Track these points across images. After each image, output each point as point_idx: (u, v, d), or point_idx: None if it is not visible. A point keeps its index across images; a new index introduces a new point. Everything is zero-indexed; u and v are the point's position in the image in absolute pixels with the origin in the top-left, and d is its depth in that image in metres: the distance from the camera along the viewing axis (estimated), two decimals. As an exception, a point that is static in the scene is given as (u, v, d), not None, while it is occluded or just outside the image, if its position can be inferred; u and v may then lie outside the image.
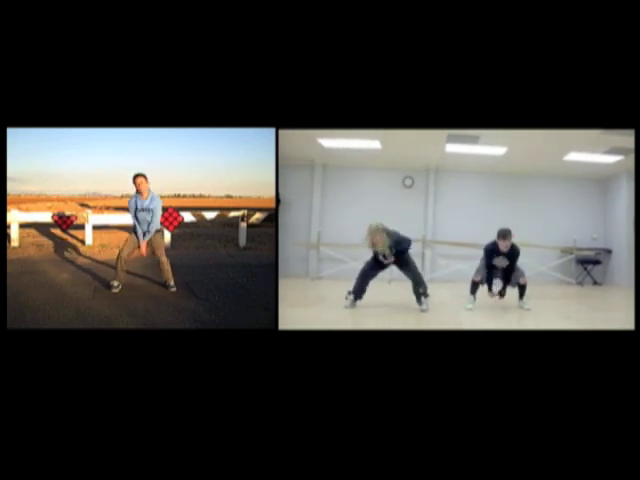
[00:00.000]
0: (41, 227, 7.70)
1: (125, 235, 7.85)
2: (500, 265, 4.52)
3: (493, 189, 7.67)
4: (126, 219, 7.71)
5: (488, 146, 6.22)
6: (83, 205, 17.33)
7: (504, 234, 4.37)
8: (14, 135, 3.68)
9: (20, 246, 6.57)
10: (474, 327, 3.70)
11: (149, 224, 4.30)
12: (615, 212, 7.54)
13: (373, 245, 4.37)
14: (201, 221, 7.58)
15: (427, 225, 7.46)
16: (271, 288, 3.77)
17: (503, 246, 4.40)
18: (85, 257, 6.15)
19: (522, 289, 4.66)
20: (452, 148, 6.35)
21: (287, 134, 5.49)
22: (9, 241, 6.52)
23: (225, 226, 8.71)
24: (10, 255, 5.87)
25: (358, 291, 4.49)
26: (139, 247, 4.35)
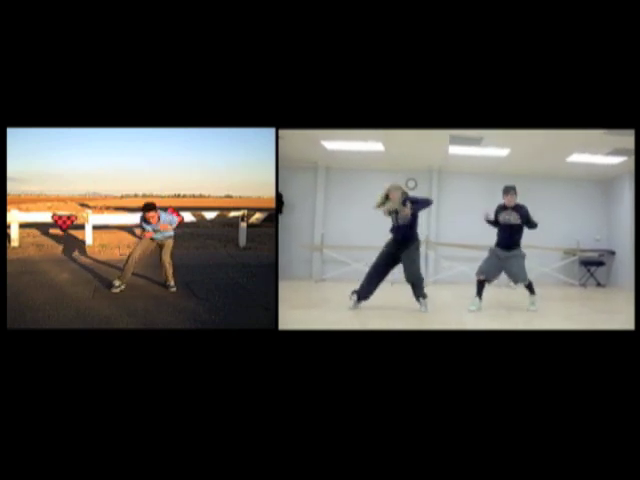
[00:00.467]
0: (41, 227, 7.70)
1: (125, 235, 7.89)
2: (508, 221, 4.52)
3: (496, 191, 7.64)
4: (126, 219, 7.76)
5: (491, 148, 6.21)
6: (83, 205, 17.34)
7: (506, 190, 4.52)
8: (14, 135, 3.69)
9: (20, 246, 6.57)
10: (476, 328, 3.69)
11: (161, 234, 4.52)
12: (618, 213, 7.53)
13: (387, 199, 4.41)
14: (201, 221, 7.57)
15: (430, 227, 7.46)
16: (271, 288, 3.77)
17: (507, 201, 4.51)
18: (85, 257, 6.15)
19: (529, 288, 4.66)
20: (455, 150, 6.34)
21: (290, 136, 5.51)
22: (9, 241, 6.52)
23: (225, 226, 8.71)
24: (10, 255, 5.87)
25: (364, 292, 4.48)
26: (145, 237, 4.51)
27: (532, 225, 4.54)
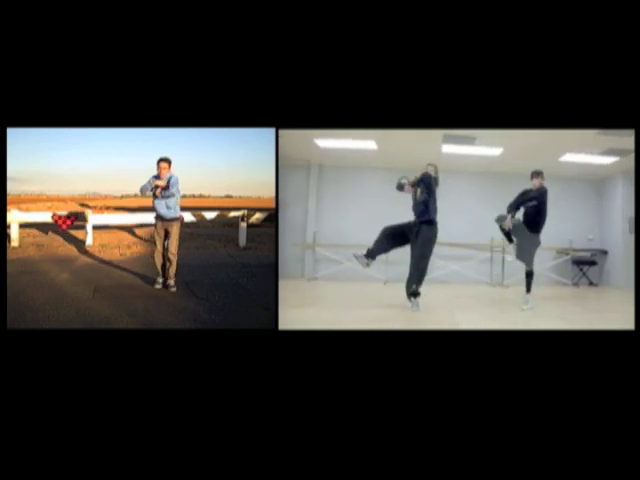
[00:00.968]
0: (41, 227, 7.69)
1: (125, 235, 7.88)
2: (528, 203, 4.63)
3: (489, 190, 7.64)
4: (126, 219, 7.76)
5: (484, 147, 6.22)
6: (83, 205, 17.31)
7: (534, 173, 4.69)
8: (14, 135, 3.69)
9: (20, 246, 6.56)
10: (471, 327, 3.68)
11: (166, 205, 4.34)
12: (611, 213, 7.57)
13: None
14: (201, 221, 7.57)
15: None
16: (271, 288, 3.77)
17: (532, 183, 4.64)
18: (85, 257, 6.15)
19: (529, 279, 4.68)
20: (448, 149, 6.35)
21: (283, 134, 5.49)
22: (9, 241, 6.52)
23: (225, 226, 8.70)
24: (10, 255, 5.87)
25: (375, 250, 4.49)
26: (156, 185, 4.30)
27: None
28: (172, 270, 4.44)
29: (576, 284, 7.35)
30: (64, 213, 6.99)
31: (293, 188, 7.50)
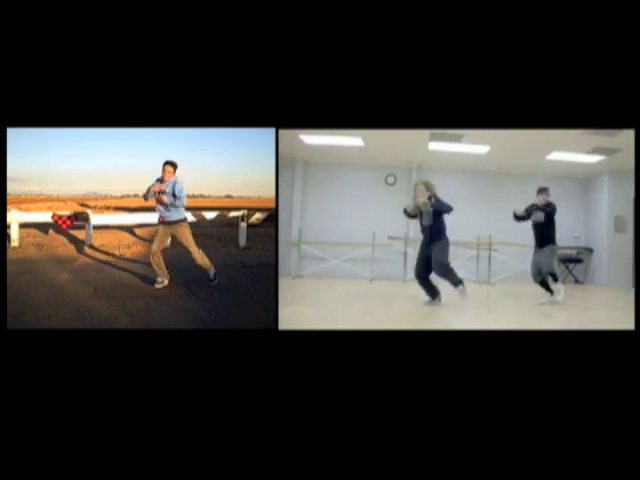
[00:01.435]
0: (41, 227, 7.69)
1: (125, 235, 7.88)
2: (536, 219, 4.95)
3: (476, 187, 7.66)
4: (126, 219, 7.76)
5: (471, 145, 6.23)
6: (83, 205, 17.33)
7: (539, 190, 5.00)
8: (14, 135, 3.69)
9: (20, 246, 6.56)
10: (464, 327, 3.68)
11: (167, 206, 4.23)
12: (596, 211, 7.65)
13: (416, 199, 4.56)
14: (201, 221, 7.56)
15: (410, 223, 7.42)
16: (271, 288, 3.77)
17: (538, 199, 4.97)
18: (85, 257, 6.15)
19: (546, 284, 4.95)
20: (435, 146, 6.35)
21: (268, 131, 5.47)
22: (9, 241, 6.52)
23: (225, 226, 8.70)
24: (10, 255, 5.87)
25: (430, 294, 4.59)
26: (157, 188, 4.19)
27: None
28: (204, 264, 4.41)
29: (562, 282, 7.43)
30: (64, 213, 6.98)
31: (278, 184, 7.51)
